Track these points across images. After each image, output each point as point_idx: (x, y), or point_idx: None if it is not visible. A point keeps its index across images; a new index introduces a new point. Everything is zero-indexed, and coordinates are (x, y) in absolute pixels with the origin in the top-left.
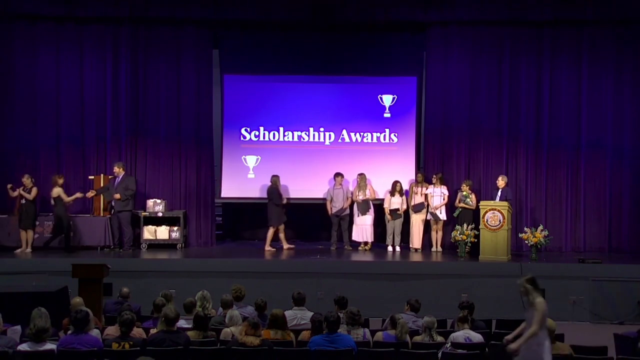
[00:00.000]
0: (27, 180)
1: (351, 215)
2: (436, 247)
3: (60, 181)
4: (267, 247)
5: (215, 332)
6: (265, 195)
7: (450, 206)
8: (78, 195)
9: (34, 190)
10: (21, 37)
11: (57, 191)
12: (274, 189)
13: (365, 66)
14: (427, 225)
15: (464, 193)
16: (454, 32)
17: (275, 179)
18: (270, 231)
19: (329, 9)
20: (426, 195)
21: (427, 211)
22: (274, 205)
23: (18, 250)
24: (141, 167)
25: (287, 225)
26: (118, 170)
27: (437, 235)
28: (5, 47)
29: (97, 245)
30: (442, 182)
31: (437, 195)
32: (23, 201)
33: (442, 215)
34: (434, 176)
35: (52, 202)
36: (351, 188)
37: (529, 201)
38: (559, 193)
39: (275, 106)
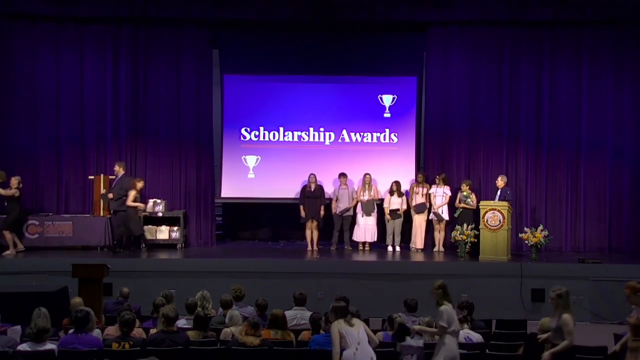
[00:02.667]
0: (14, 181)
1: (354, 215)
2: (438, 247)
3: (139, 185)
4: (313, 248)
5: (215, 332)
6: (265, 195)
7: (451, 206)
8: (140, 205)
9: (12, 191)
10: (21, 37)
11: (130, 194)
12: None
13: (365, 66)
14: (428, 225)
15: (465, 193)
16: (454, 32)
17: (309, 175)
18: (307, 231)
19: (329, 9)
20: (429, 195)
21: (430, 211)
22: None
23: (6, 252)
24: (141, 167)
25: (287, 224)
26: (118, 170)
27: (439, 235)
28: (5, 47)
29: (97, 245)
30: (445, 182)
31: (440, 195)
32: (6, 203)
33: (445, 215)
34: (437, 176)
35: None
36: (355, 188)
37: (529, 201)
38: (559, 193)
39: (275, 106)
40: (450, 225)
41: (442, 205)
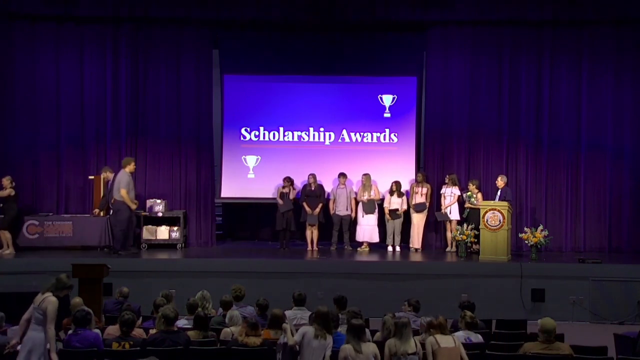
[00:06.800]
0: (6, 181)
1: (355, 215)
2: (450, 246)
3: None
4: (313, 248)
5: (215, 332)
6: (265, 195)
7: (460, 206)
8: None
9: (7, 191)
10: (21, 37)
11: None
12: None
13: (365, 66)
14: (427, 225)
15: (468, 193)
16: (454, 32)
17: (308, 176)
18: (307, 231)
19: (329, 9)
20: (440, 195)
21: (434, 211)
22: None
23: None
24: (141, 167)
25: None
26: (106, 175)
27: (450, 235)
28: (5, 47)
29: (97, 245)
30: (455, 182)
31: (448, 195)
32: (1, 205)
33: (453, 215)
34: (448, 176)
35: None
36: (355, 188)
37: (529, 201)
38: (559, 193)
39: (275, 106)
40: (461, 224)
41: (450, 205)
